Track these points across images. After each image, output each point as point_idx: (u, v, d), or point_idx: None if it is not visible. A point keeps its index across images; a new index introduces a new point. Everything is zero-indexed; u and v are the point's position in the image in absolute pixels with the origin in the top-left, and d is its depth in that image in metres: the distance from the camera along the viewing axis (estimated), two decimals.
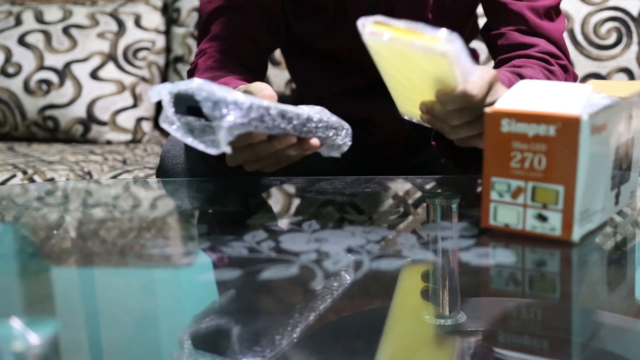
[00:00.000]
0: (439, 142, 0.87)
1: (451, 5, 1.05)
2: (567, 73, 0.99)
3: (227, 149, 0.67)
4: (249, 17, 1.05)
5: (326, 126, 0.80)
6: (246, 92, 0.80)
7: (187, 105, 0.68)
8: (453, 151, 0.87)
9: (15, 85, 1.84)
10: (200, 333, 0.53)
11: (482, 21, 1.10)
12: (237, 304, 0.57)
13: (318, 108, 0.82)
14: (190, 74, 1.05)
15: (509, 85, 0.85)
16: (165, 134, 1.93)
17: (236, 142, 0.75)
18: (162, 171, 0.99)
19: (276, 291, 0.59)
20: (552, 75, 0.95)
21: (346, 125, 0.85)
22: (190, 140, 0.68)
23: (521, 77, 0.89)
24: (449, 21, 1.07)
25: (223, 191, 0.93)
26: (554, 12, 1.01)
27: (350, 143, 0.86)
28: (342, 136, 0.84)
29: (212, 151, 0.67)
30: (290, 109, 0.74)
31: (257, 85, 0.82)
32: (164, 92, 0.69)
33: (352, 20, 1.07)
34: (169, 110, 0.68)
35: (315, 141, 0.79)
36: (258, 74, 1.07)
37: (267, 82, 1.78)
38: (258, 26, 1.06)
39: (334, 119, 0.82)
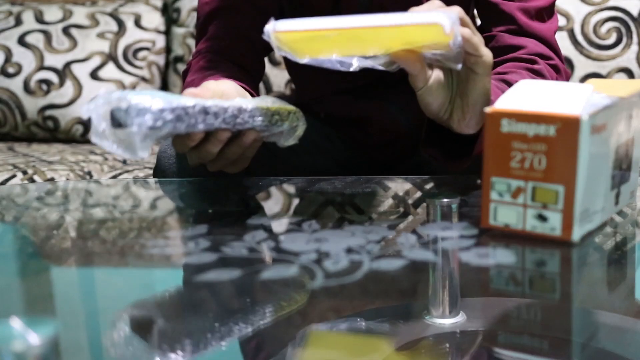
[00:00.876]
0: (427, 146, 0.87)
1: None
2: (559, 73, 0.99)
3: (144, 154, 0.68)
4: (246, 17, 1.05)
5: (266, 113, 0.79)
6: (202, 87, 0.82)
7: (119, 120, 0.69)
8: (443, 153, 0.87)
9: (15, 85, 1.84)
10: (138, 320, 0.53)
11: (479, 22, 1.10)
12: (187, 300, 0.57)
13: (261, 97, 0.82)
14: (184, 75, 1.05)
15: (496, 90, 0.85)
16: None
17: (180, 145, 0.76)
18: (159, 171, 1.00)
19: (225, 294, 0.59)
20: (538, 75, 0.95)
21: (293, 109, 0.83)
22: (121, 152, 0.69)
23: (507, 83, 0.89)
24: None
25: (223, 191, 0.93)
26: (545, 13, 1.01)
27: (304, 126, 0.85)
28: (290, 120, 0.82)
29: (132, 157, 0.69)
30: (215, 103, 0.73)
31: (207, 85, 0.83)
32: (93, 108, 0.70)
33: None
34: (99, 126, 0.69)
35: (251, 133, 0.78)
36: (254, 73, 1.07)
37: (267, 82, 1.79)
38: (254, 26, 1.06)
39: (276, 105, 0.81)
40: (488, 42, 1.02)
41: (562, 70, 1.00)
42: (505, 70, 0.95)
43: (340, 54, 0.72)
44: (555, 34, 1.01)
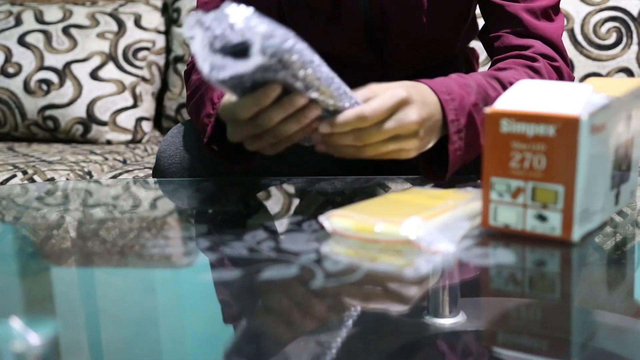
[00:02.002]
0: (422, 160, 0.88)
1: (446, 9, 1.05)
2: (561, 76, 0.98)
3: (261, 59, 0.65)
4: None
5: (350, 96, 0.77)
6: None
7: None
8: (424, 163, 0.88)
9: (15, 85, 1.84)
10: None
11: (480, 21, 1.10)
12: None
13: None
14: (187, 75, 1.05)
15: (478, 89, 0.86)
16: (165, 133, 1.93)
17: (240, 112, 0.74)
18: (159, 171, 0.99)
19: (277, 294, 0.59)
20: (536, 72, 0.94)
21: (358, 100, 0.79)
22: (219, 59, 0.67)
23: (499, 80, 0.89)
24: (444, 24, 1.07)
25: (223, 191, 0.93)
26: (552, 12, 1.00)
27: None
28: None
29: (242, 67, 0.66)
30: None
31: None
32: (198, 31, 0.68)
33: (347, 25, 1.07)
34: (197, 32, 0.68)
35: (316, 108, 0.75)
36: None
37: None
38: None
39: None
40: (494, 42, 1.01)
41: (565, 73, 0.99)
42: (504, 66, 0.94)
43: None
44: (562, 34, 1.01)
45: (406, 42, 1.07)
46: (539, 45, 0.97)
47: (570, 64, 1.64)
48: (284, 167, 1.06)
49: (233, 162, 0.93)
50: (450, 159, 0.83)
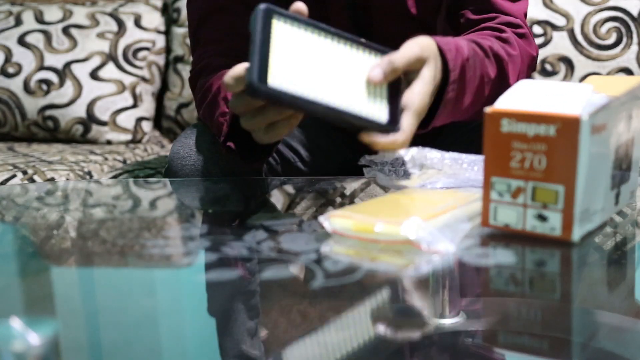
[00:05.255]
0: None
1: None
2: (529, 43, 0.99)
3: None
4: (238, 16, 1.04)
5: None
6: None
7: None
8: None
9: (15, 85, 1.84)
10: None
11: None
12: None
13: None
14: (194, 80, 1.03)
15: (468, 52, 0.86)
16: (165, 133, 1.93)
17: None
18: (172, 172, 0.98)
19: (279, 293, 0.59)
20: (505, 42, 0.95)
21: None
22: None
23: (479, 46, 0.90)
24: (430, 10, 1.07)
25: (225, 191, 0.93)
26: None
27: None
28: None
29: None
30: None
31: None
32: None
33: (332, 15, 1.06)
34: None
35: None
36: None
37: None
38: (248, 24, 1.05)
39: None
40: (457, 20, 1.03)
41: (530, 38, 1.00)
42: (475, 38, 0.95)
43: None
44: (525, 16, 1.02)
45: (390, 19, 1.06)
46: (503, 17, 0.99)
47: (567, 63, 1.65)
48: (286, 168, 1.06)
49: (250, 161, 0.92)
50: (443, 107, 0.83)
